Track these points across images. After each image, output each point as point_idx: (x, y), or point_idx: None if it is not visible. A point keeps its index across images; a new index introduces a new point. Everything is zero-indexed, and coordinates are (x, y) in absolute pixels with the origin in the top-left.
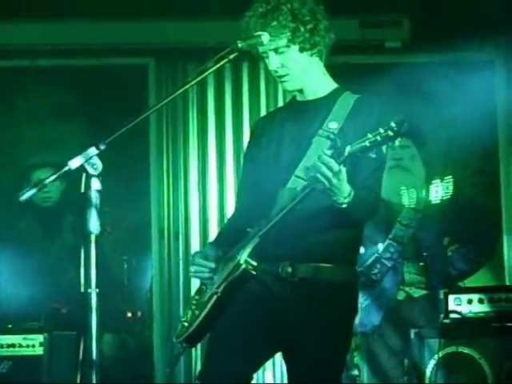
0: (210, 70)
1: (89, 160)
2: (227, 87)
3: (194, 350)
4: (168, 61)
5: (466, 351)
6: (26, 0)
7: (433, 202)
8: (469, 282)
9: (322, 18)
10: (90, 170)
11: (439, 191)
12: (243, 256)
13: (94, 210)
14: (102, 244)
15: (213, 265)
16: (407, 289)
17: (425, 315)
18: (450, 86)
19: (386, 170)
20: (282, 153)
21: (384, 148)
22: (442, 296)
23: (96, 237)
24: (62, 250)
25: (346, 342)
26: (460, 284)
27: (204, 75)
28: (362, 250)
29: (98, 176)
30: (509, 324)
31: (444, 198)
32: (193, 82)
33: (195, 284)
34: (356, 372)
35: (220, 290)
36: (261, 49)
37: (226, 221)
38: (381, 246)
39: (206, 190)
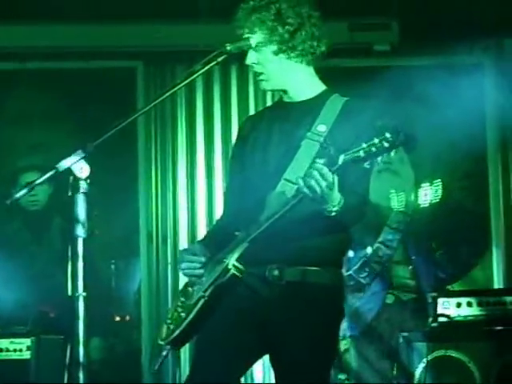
0: (199, 73)
1: (76, 163)
2: (216, 90)
3: (182, 352)
4: (157, 64)
5: (454, 355)
6: (14, 3)
7: (422, 206)
8: (458, 286)
9: (308, 23)
10: (78, 173)
11: (428, 194)
12: (231, 260)
13: (82, 214)
14: (89, 247)
15: (203, 259)
16: (396, 292)
17: (413, 319)
18: (439, 89)
19: (375, 173)
20: (270, 155)
21: (379, 159)
22: (430, 300)
23: (84, 240)
24: (49, 253)
25: (333, 345)
26: (448, 287)
27: (192, 77)
28: (350, 253)
29: (85, 179)
30: (498, 327)
31: (433, 201)
32: (181, 85)
33: None
34: (344, 375)
35: (207, 294)
36: None
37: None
38: (369, 250)
39: (194, 193)
